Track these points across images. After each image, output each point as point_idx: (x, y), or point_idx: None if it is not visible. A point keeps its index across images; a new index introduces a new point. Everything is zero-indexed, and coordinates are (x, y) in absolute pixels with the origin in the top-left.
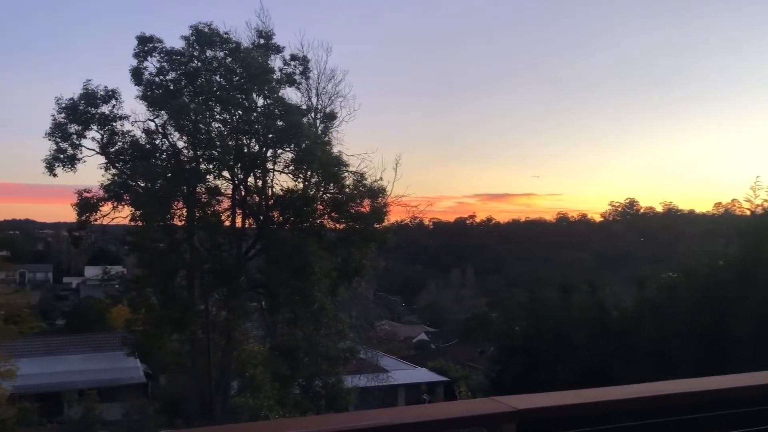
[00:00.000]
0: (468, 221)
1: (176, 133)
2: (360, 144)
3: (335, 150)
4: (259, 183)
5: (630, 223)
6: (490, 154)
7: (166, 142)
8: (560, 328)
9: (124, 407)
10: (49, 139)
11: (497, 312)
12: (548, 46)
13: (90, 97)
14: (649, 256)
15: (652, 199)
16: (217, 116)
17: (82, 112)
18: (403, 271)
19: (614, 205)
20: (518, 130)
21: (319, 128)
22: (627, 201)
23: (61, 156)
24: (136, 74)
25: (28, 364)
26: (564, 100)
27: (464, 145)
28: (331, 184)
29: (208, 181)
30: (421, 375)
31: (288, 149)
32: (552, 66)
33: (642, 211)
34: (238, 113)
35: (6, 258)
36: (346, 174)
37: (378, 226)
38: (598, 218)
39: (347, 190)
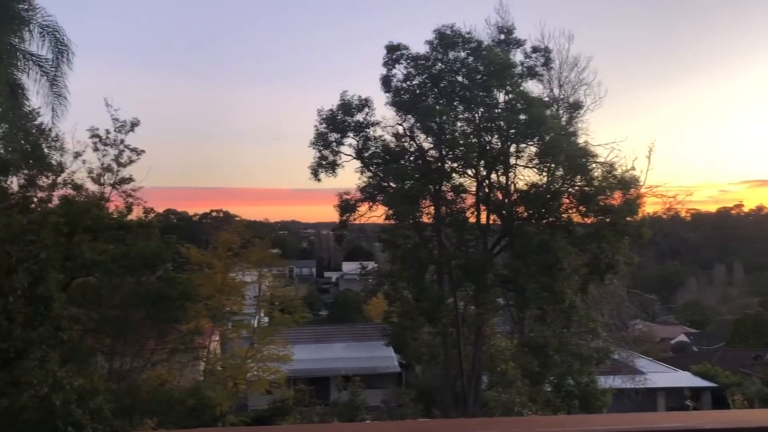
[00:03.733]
0: (733, 211)
1: (422, 134)
2: (608, 133)
3: (581, 140)
4: (503, 179)
5: None
6: (759, 133)
7: (414, 144)
8: None
9: (383, 394)
10: (313, 148)
11: None
12: None
13: (346, 107)
14: None
15: None
16: (461, 115)
17: (340, 122)
18: (659, 267)
19: None
20: None
21: (563, 119)
22: None
23: (324, 162)
24: (386, 82)
25: (300, 351)
26: None
27: (727, 126)
28: (578, 177)
29: (453, 179)
30: (683, 379)
31: (531, 143)
32: None
33: None
34: (480, 111)
35: (278, 255)
36: (593, 165)
37: (631, 219)
38: None
39: (595, 182)
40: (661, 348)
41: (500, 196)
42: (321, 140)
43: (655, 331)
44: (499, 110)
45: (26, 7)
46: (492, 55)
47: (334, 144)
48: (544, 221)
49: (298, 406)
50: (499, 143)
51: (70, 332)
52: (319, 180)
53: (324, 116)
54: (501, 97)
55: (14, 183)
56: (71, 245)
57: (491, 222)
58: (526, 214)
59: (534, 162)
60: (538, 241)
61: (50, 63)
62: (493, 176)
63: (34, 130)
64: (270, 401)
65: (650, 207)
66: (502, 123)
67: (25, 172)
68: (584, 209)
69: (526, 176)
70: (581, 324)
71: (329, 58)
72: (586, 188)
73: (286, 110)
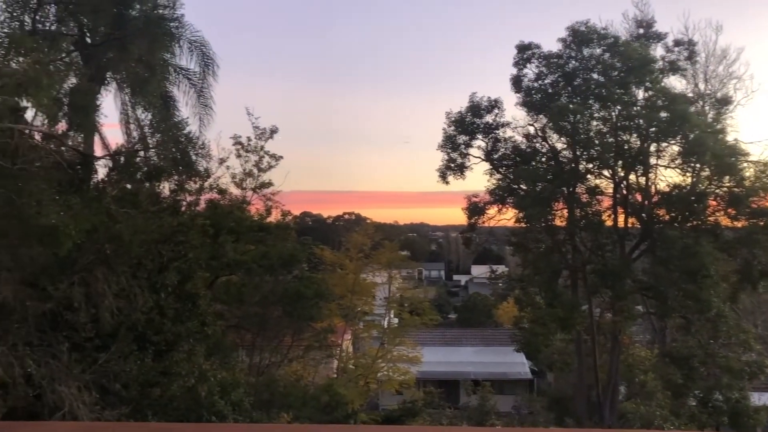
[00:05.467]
0: None
1: (555, 135)
2: (762, 129)
3: (730, 138)
4: (642, 180)
5: None
6: None
7: (546, 145)
8: None
9: (514, 400)
10: (442, 151)
11: None
12: None
13: (475, 108)
14: None
15: None
16: (596, 114)
17: (469, 123)
18: None
19: None
20: None
21: (710, 116)
22: None
23: (452, 165)
24: (516, 82)
25: (429, 353)
26: None
27: None
28: (727, 177)
29: (588, 181)
30: None
31: (673, 141)
32: None
33: None
34: (617, 109)
35: (408, 257)
36: (744, 164)
37: None
38: None
39: (747, 182)
40: None
41: (639, 198)
42: (449, 143)
43: None
44: (638, 108)
45: (177, 24)
46: (630, 51)
47: (463, 146)
48: (688, 224)
49: (427, 408)
50: (638, 142)
51: (214, 327)
52: (447, 182)
53: (453, 118)
54: (640, 94)
55: (166, 188)
56: (216, 246)
57: (630, 225)
58: (668, 217)
59: (677, 162)
60: (682, 245)
61: (197, 76)
62: (632, 177)
63: (183, 139)
64: (400, 402)
65: None
66: (641, 121)
67: (176, 177)
68: (734, 212)
69: (667, 177)
70: (731, 335)
71: (458, 61)
72: (736, 189)
73: (415, 114)
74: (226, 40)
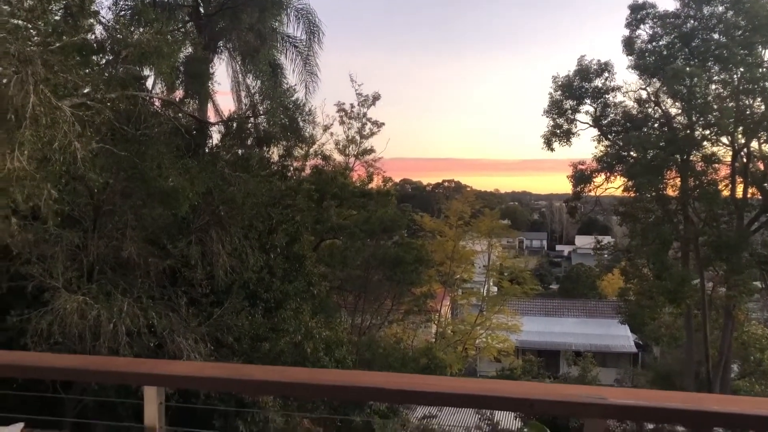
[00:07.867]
0: None
1: (669, 99)
2: None
3: None
4: (765, 147)
5: None
6: None
7: (659, 110)
8: None
9: (616, 373)
10: (547, 116)
11: None
12: None
13: (583, 72)
14: None
15: None
16: (715, 77)
17: (577, 88)
18: None
19: None
20: None
21: None
22: None
23: (558, 131)
24: (628, 44)
25: (528, 322)
26: None
27: None
28: None
29: (704, 148)
30: None
31: None
32: None
33: None
34: (740, 71)
35: (508, 226)
36: None
37: None
38: None
39: None
40: None
41: (762, 167)
42: (555, 108)
43: None
44: (764, 69)
45: None
46: (757, 7)
47: (570, 112)
48: None
49: (525, 375)
50: (763, 107)
51: (319, 288)
52: (552, 149)
53: (559, 83)
54: (766, 54)
55: (274, 153)
56: (321, 210)
57: (749, 195)
58: None
59: None
60: None
61: (304, 44)
62: (754, 144)
63: (291, 106)
64: (498, 369)
65: None
66: (766, 84)
67: (284, 143)
68: None
69: None
70: None
71: (564, 25)
72: None
73: (517, 80)
74: (327, 4)
